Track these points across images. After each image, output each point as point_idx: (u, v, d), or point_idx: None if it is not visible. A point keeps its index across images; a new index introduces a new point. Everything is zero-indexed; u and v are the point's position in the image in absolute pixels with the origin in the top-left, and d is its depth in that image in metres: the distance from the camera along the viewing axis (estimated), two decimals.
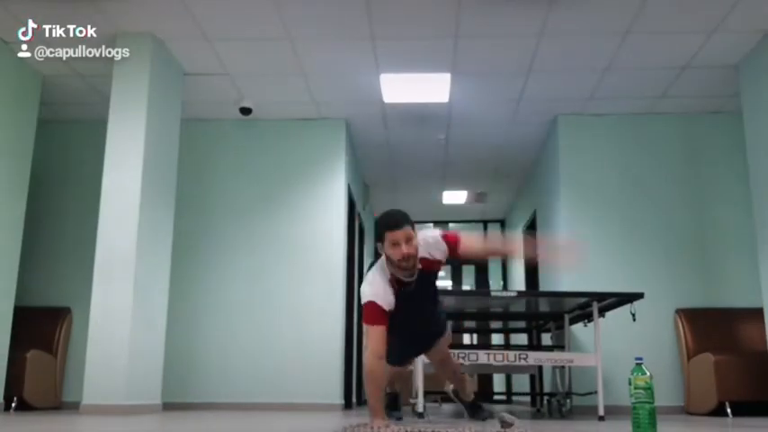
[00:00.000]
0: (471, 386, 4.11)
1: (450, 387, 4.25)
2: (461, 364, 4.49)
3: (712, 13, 4.60)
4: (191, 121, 6.06)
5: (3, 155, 4.99)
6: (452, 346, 4.57)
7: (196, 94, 5.82)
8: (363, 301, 3.03)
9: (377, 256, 3.19)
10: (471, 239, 3.36)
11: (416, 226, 3.11)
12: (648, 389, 2.63)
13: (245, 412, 5.12)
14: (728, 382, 4.96)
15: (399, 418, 4.07)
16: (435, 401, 6.90)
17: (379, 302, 2.98)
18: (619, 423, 4.07)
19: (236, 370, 5.84)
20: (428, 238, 3.13)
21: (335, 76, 5.65)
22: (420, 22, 4.78)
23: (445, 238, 3.17)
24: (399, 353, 3.43)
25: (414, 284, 3.08)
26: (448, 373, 3.98)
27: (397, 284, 3.05)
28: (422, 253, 3.07)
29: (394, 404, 4.16)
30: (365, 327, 3.06)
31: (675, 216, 6.00)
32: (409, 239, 2.95)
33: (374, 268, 3.11)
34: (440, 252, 3.15)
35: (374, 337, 2.97)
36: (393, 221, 2.99)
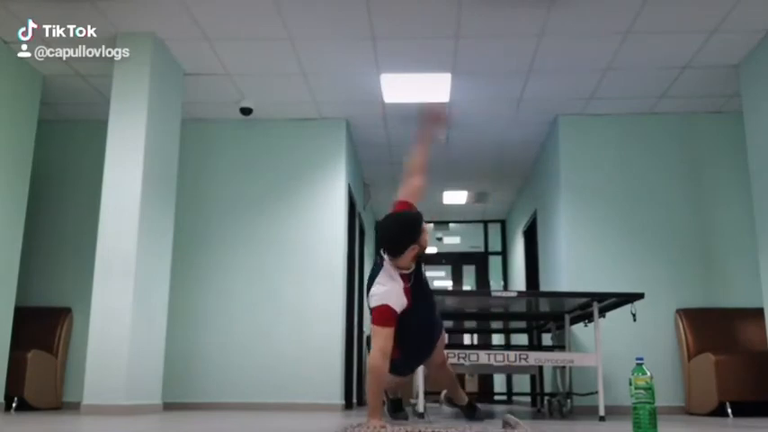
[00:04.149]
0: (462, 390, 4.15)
1: (443, 394, 4.28)
2: (462, 365, 4.49)
3: (712, 13, 4.60)
4: (191, 121, 6.05)
5: (3, 155, 4.99)
6: (453, 347, 4.60)
7: (196, 94, 5.82)
8: (375, 304, 3.09)
9: (379, 261, 3.26)
10: (406, 189, 3.77)
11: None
12: (649, 389, 2.63)
13: (244, 412, 5.11)
14: (729, 382, 4.96)
15: (405, 418, 4.08)
16: (435, 402, 6.90)
17: (392, 305, 3.08)
18: (619, 423, 4.08)
19: (236, 370, 5.83)
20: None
21: (335, 76, 5.65)
22: (420, 22, 4.78)
23: (398, 205, 3.51)
24: (416, 355, 3.51)
25: (413, 276, 3.27)
26: (444, 377, 4.01)
27: (407, 279, 3.22)
28: None
29: (398, 407, 4.16)
30: (373, 328, 3.09)
31: (676, 216, 6.00)
32: None
33: (382, 272, 3.20)
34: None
35: (384, 336, 3.04)
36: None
